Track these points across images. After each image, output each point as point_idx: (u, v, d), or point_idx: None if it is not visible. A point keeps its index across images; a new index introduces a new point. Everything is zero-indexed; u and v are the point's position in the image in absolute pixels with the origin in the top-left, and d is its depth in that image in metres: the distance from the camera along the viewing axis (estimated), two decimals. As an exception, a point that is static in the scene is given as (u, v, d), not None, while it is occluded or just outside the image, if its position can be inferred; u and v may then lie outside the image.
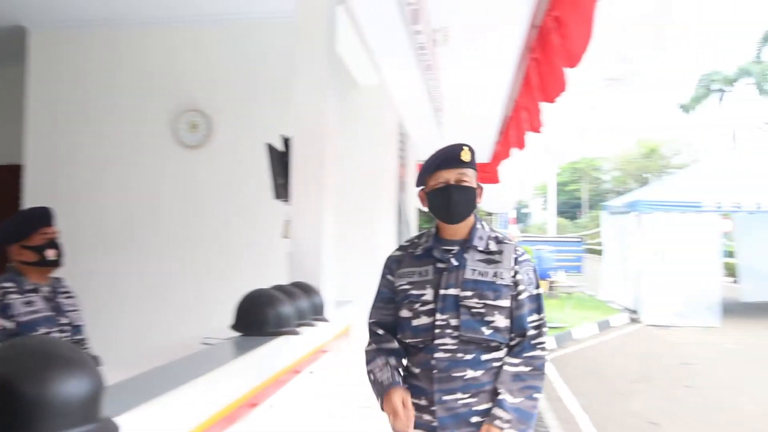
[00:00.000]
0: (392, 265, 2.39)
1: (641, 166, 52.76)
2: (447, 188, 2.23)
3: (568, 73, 4.43)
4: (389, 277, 2.39)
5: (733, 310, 14.32)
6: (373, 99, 5.75)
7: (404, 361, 2.34)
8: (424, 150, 10.13)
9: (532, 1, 4.85)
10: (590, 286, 17.05)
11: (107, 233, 5.46)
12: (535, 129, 6.46)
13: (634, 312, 13.27)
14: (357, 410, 5.32)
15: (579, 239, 19.27)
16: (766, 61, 35.84)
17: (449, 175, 2.22)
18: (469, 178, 2.24)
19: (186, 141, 5.41)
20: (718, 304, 12.65)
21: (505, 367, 2.19)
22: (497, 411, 2.13)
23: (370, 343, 2.42)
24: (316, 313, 3.26)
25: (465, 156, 2.23)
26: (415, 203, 10.31)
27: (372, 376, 2.33)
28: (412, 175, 9.17)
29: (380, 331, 2.39)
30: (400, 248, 2.42)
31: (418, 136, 8.50)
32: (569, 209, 62.75)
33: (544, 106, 5.72)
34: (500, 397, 2.14)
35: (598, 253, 28.21)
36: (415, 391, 2.24)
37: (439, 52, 5.77)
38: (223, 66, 5.47)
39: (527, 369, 2.19)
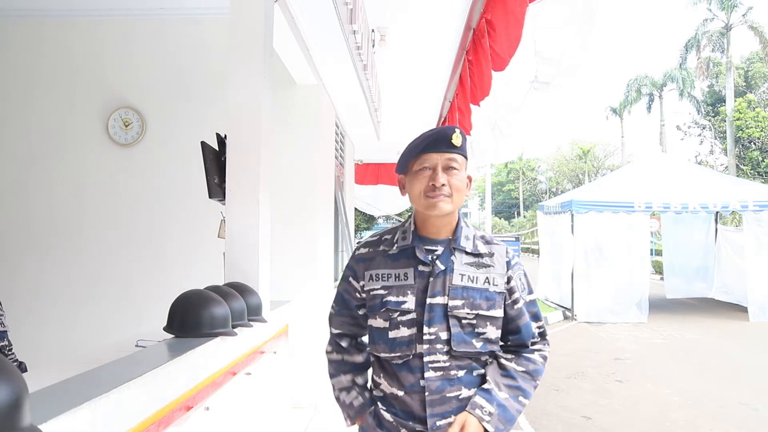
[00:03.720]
0: (358, 266, 2.03)
1: (575, 168, 54.14)
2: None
3: (496, 76, 4.52)
4: (352, 280, 2.05)
5: (659, 306, 14.90)
6: (310, 98, 5.73)
7: (375, 378, 2.05)
8: (361, 149, 10.18)
9: (468, 2, 4.92)
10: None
11: (34, 233, 5.27)
12: (466, 131, 6.56)
13: (569, 309, 13.59)
14: (295, 411, 5.30)
15: (515, 239, 19.59)
16: (689, 67, 37.32)
17: (437, 160, 1.89)
18: (460, 166, 1.92)
19: (118, 139, 5.28)
20: (646, 300, 13.11)
21: (498, 361, 1.96)
22: (480, 400, 1.87)
23: (332, 351, 2.14)
24: (253, 313, 3.22)
25: (456, 140, 1.90)
26: (353, 202, 10.31)
27: (338, 395, 2.09)
28: (350, 173, 9.18)
29: (344, 343, 2.11)
30: (368, 244, 2.05)
31: (355, 135, 8.53)
32: (506, 209, 63.93)
33: (474, 108, 5.83)
34: (486, 386, 1.89)
35: (535, 252, 28.86)
36: (401, 417, 1.92)
37: (376, 52, 5.79)
38: (156, 62, 5.35)
39: (520, 369, 1.95)
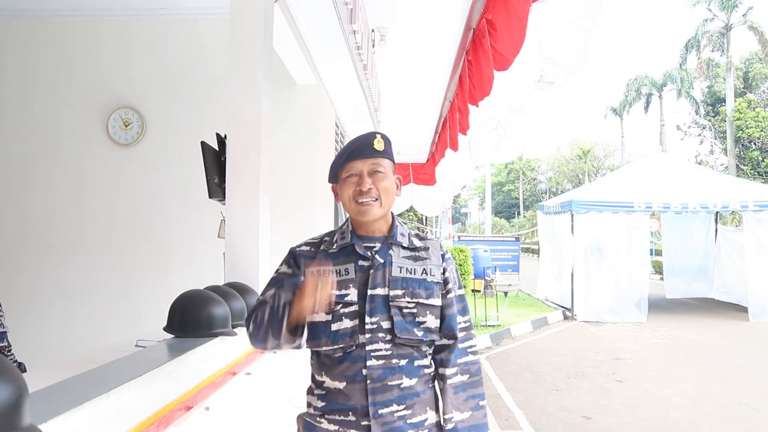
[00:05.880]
0: (299, 260, 2.05)
1: (575, 168, 54.15)
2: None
3: (499, 76, 4.51)
4: (289, 270, 2.06)
5: (659, 306, 14.90)
6: (310, 98, 5.73)
7: (316, 377, 2.03)
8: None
9: (468, 2, 4.92)
10: (527, 285, 17.38)
11: (33, 233, 5.27)
12: (462, 131, 6.55)
13: (569, 309, 13.59)
14: (295, 411, 5.28)
15: (516, 238, 19.59)
16: (689, 68, 37.31)
17: (362, 166, 1.99)
18: (385, 169, 2.01)
19: (118, 139, 5.28)
20: (646, 300, 13.11)
21: (444, 381, 2.01)
22: None
23: (254, 313, 2.04)
24: (253, 313, 3.22)
25: (378, 145, 2.00)
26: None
27: (266, 310, 1.97)
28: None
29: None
30: (308, 244, 2.10)
31: (355, 135, 8.51)
32: (506, 209, 63.92)
33: (473, 108, 5.83)
34: (450, 423, 1.97)
35: (535, 252, 28.87)
36: (340, 409, 1.95)
37: (376, 52, 5.79)
38: (156, 62, 5.35)
39: (466, 377, 2.02)
